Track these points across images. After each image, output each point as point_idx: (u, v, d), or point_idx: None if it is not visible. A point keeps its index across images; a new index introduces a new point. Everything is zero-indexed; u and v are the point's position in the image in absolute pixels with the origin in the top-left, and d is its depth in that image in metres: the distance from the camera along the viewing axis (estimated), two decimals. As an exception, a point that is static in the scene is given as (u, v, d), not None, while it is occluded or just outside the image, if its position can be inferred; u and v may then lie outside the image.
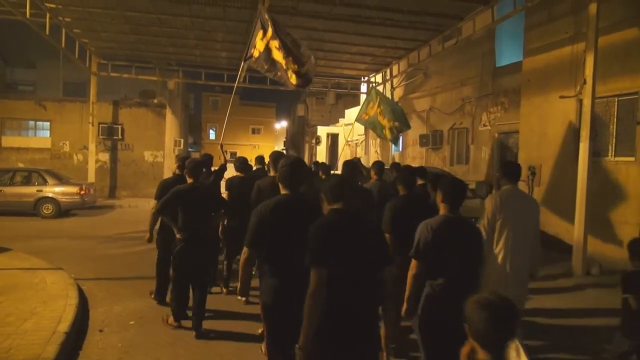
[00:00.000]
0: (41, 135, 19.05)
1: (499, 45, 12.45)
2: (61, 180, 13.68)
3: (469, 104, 13.49)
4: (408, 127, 11.92)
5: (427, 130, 15.71)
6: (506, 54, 12.24)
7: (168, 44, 15.11)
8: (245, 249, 3.08)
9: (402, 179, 4.33)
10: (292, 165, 3.21)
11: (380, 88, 18.73)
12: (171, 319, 5.00)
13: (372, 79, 19.05)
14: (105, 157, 18.82)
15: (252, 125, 48.47)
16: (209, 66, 17.69)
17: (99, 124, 18.08)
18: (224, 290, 6.20)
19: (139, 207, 15.41)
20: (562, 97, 9.28)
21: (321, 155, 25.73)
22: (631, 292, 3.31)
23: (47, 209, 13.06)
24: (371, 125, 11.99)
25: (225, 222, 6.02)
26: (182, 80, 19.40)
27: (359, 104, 21.86)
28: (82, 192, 13.41)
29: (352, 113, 23.21)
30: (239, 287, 3.38)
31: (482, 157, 12.84)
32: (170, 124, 20.57)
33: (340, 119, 26.13)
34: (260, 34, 6.75)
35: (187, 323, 5.04)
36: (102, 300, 5.82)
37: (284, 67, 6.53)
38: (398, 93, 18.08)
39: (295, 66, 6.55)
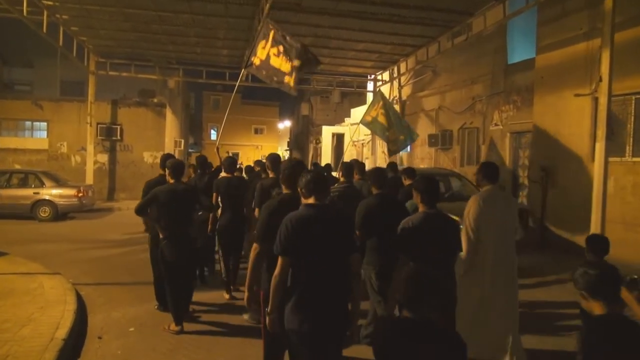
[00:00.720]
0: (38, 136, 19.19)
1: (511, 41, 12.42)
2: (59, 182, 13.77)
3: (479, 102, 13.46)
4: (416, 135, 12.40)
5: (436, 130, 15.69)
6: (518, 50, 12.21)
7: (168, 41, 15.19)
8: (255, 245, 3.36)
9: (373, 178, 4.61)
10: (295, 167, 3.57)
11: (387, 86, 18.75)
12: (172, 325, 5.06)
13: (379, 77, 19.06)
14: (103, 158, 18.94)
15: (255, 125, 48.55)
16: (210, 64, 17.75)
17: (97, 124, 18.20)
18: (227, 296, 6.27)
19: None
20: (577, 95, 9.25)
21: (326, 156, 25.72)
22: None
23: (45, 212, 13.15)
24: (373, 127, 12.25)
25: (218, 223, 6.33)
26: (183, 79, 19.49)
27: (365, 103, 21.87)
28: (80, 194, 13.50)
29: (358, 112, 23.18)
30: (245, 295, 3.43)
31: (494, 157, 12.80)
32: (170, 124, 20.67)
33: (346, 119, 26.12)
34: (262, 43, 7.37)
35: (189, 327, 5.09)
36: (101, 306, 5.86)
37: (287, 70, 7.14)
38: (406, 91, 18.08)
39: (298, 61, 7.09)
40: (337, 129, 25.97)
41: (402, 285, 2.14)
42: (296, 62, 7.11)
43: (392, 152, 12.15)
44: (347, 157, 23.20)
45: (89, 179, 16.98)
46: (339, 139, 25.52)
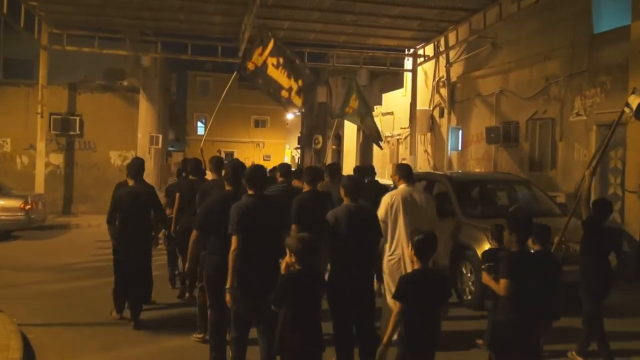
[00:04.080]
0: (-26, 130, 19.52)
1: (597, 3, 12.33)
2: (0, 190, 13.98)
3: (555, 85, 13.36)
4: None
5: (496, 122, 15.59)
6: (607, 16, 12.11)
7: (143, 6, 15.33)
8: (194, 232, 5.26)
9: (306, 177, 6.55)
10: (236, 165, 5.57)
11: (431, 64, 18.71)
12: (114, 313, 6.79)
13: (420, 52, 19.03)
14: (58, 159, 19.14)
15: (255, 115, 48.76)
16: (197, 36, 17.88)
17: (51, 115, 18.40)
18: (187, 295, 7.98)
19: (103, 227, 15.49)
20: (687, 75, 9.13)
21: (350, 155, 25.74)
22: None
23: (-18, 230, 13.35)
24: (357, 120, 12.80)
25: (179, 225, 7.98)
26: (161, 55, 19.70)
27: (401, 86, 21.89)
28: (28, 207, 13.66)
29: (392, 98, 23.22)
30: (187, 266, 5.52)
31: (575, 158, 12.67)
32: (145, 115, 20.90)
33: (375, 106, 26.12)
34: (259, 49, 9.34)
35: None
36: (55, 355, 5.90)
37: (287, 86, 9.47)
38: (456, 70, 18.02)
39: (300, 82, 9.58)
40: (363, 120, 25.98)
41: (294, 244, 4.18)
42: (300, 82, 9.53)
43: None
44: (376, 157, 23.18)
45: (39, 187, 17.19)
46: (366, 133, 25.50)
